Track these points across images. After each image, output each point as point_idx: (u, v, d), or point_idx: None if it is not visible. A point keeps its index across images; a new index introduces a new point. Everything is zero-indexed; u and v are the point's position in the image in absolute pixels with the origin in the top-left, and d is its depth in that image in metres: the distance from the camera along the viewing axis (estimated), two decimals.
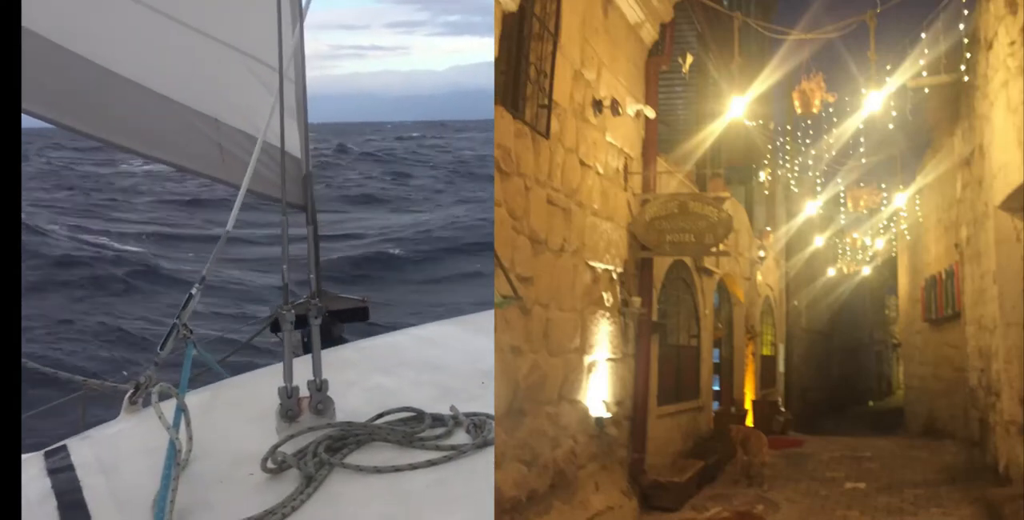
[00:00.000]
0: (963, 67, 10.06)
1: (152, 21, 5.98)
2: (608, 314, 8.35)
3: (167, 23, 6.04)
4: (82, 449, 4.16)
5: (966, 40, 9.93)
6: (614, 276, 8.55)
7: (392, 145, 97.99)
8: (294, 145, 6.55)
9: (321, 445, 3.86)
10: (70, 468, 3.93)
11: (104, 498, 3.63)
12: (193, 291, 4.65)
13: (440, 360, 5.41)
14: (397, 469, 3.73)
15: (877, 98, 10.06)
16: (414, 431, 4.06)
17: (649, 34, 9.52)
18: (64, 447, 4.21)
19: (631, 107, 9.08)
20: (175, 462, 3.54)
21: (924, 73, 10.94)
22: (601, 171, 8.30)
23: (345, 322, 7.18)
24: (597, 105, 8.12)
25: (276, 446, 3.83)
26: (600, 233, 8.26)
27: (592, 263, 7.96)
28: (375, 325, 7.77)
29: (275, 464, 3.72)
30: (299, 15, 5.99)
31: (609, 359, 8.35)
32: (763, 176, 16.35)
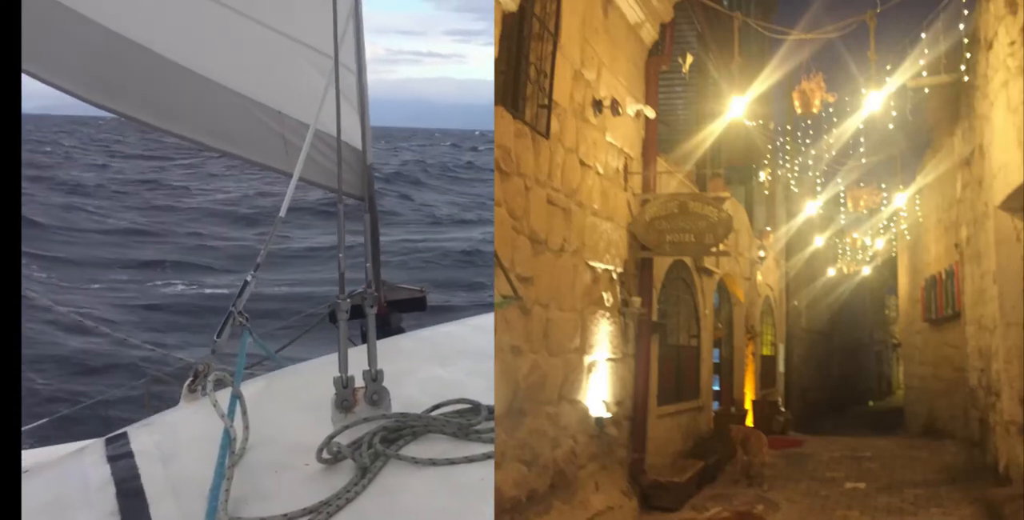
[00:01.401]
0: (963, 67, 10.13)
1: (214, 12, 6.07)
2: (608, 314, 8.38)
3: (229, 14, 6.12)
4: (141, 436, 4.19)
5: (966, 40, 9.97)
6: (614, 276, 8.59)
7: (438, 153, 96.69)
8: (354, 136, 6.64)
9: (376, 436, 3.87)
10: (129, 455, 3.96)
11: (161, 485, 3.66)
12: (248, 278, 4.71)
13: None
14: (452, 462, 3.72)
15: (877, 98, 10.11)
16: (470, 423, 4.05)
17: (649, 34, 9.55)
18: (124, 434, 4.24)
19: (631, 107, 9.11)
20: (230, 451, 3.57)
21: (924, 73, 10.99)
22: (601, 171, 8.33)
23: (404, 312, 7.19)
24: (597, 105, 8.14)
25: (331, 437, 3.83)
26: (600, 233, 8.30)
27: (592, 263, 7.97)
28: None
29: (330, 454, 3.72)
30: (357, 6, 6.19)
31: (609, 359, 8.38)
32: (763, 176, 16.49)
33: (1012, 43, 8.07)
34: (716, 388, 13.86)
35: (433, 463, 3.71)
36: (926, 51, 10.62)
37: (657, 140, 9.83)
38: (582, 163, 7.80)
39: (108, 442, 4.17)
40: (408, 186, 57.90)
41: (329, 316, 4.60)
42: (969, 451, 11.50)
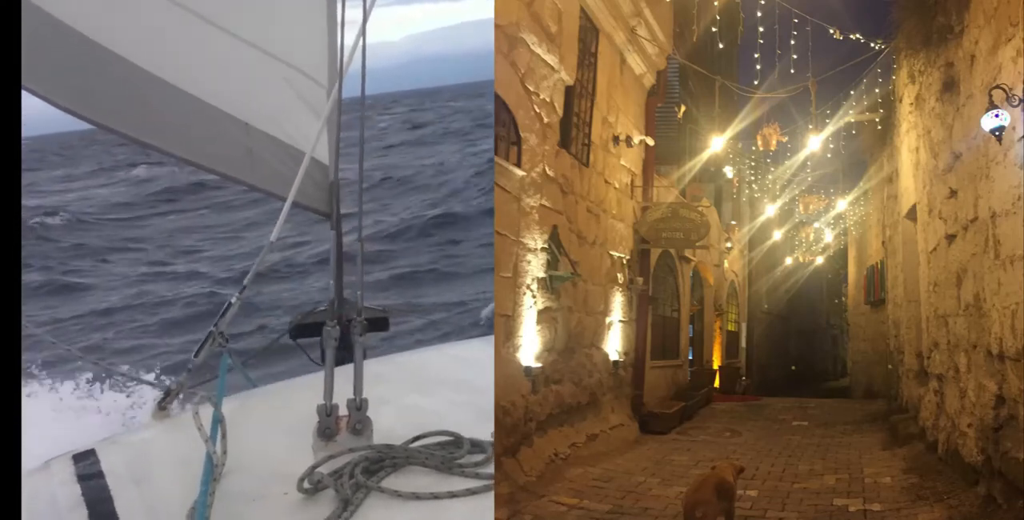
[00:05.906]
0: (883, 110, 12.61)
1: (187, 22, 5.85)
2: (620, 289, 11.02)
3: (201, 25, 5.90)
4: (110, 455, 4.03)
5: (890, 88, 12.16)
6: (624, 262, 11.23)
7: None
8: (322, 150, 6.34)
9: (358, 467, 3.69)
10: (100, 475, 3.83)
11: (136, 509, 3.56)
12: (232, 299, 4.46)
13: (476, 381, 5.04)
14: (436, 497, 3.54)
15: (816, 140, 12.71)
16: (453, 457, 3.86)
17: (648, 80, 12.21)
18: (92, 451, 4.08)
19: (636, 137, 11.64)
20: (212, 478, 3.44)
21: (865, 112, 13.36)
22: (617, 186, 10.98)
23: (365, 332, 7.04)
24: (615, 140, 10.84)
25: (314, 466, 3.69)
26: (616, 231, 10.94)
27: (611, 252, 10.71)
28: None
29: (311, 484, 3.59)
30: (339, 23, 5.77)
31: (620, 321, 11.00)
32: (730, 173, 18.21)
33: (911, 104, 10.00)
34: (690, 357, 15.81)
35: (417, 497, 3.53)
36: (854, 103, 12.90)
37: (655, 162, 12.30)
38: (606, 181, 10.53)
39: (76, 459, 4.01)
40: None
41: (290, 332, 4.21)
42: (892, 402, 13.38)
